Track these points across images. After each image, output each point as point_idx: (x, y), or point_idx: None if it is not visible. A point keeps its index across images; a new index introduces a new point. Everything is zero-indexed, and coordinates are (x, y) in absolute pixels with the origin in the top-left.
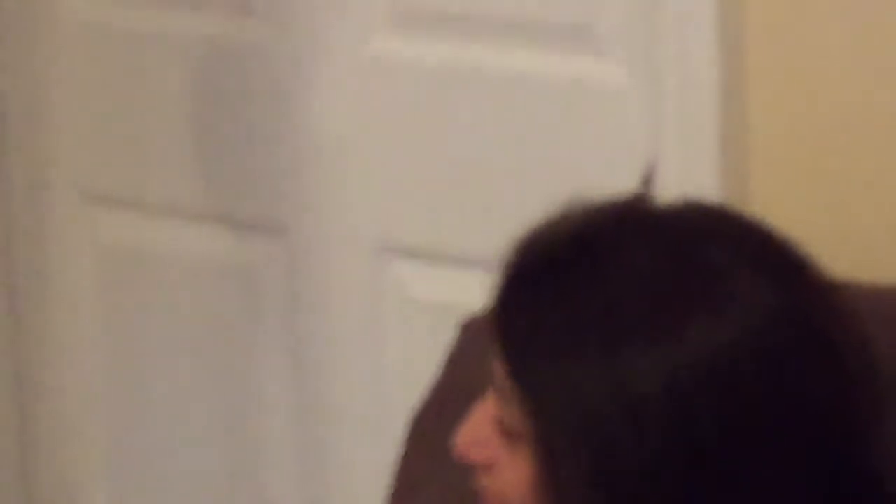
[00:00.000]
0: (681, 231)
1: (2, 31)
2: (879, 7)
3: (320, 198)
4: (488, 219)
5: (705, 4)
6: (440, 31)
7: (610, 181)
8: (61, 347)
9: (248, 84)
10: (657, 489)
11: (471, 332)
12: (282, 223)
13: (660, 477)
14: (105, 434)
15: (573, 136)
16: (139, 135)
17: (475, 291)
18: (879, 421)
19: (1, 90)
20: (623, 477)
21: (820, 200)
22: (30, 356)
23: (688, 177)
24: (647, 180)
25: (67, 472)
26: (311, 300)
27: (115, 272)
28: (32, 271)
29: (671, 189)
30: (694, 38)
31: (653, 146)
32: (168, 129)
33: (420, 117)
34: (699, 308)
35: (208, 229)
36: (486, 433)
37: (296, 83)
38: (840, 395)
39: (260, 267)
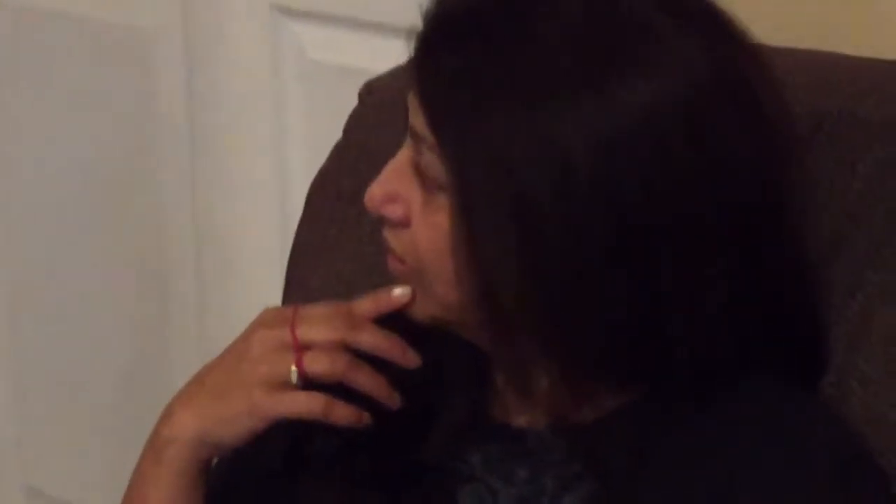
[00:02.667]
0: None
1: None
2: None
3: None
4: None
5: None
6: None
7: None
8: None
9: None
10: (574, 246)
11: (374, 95)
12: None
13: (579, 235)
14: None
15: None
16: None
17: (377, 55)
18: (798, 186)
19: None
20: (541, 233)
21: None
22: None
23: None
24: None
25: None
26: (208, 62)
27: None
28: None
29: None
30: None
31: None
32: None
33: None
34: (628, 66)
35: None
36: (401, 188)
37: None
38: (766, 160)
39: (157, 31)
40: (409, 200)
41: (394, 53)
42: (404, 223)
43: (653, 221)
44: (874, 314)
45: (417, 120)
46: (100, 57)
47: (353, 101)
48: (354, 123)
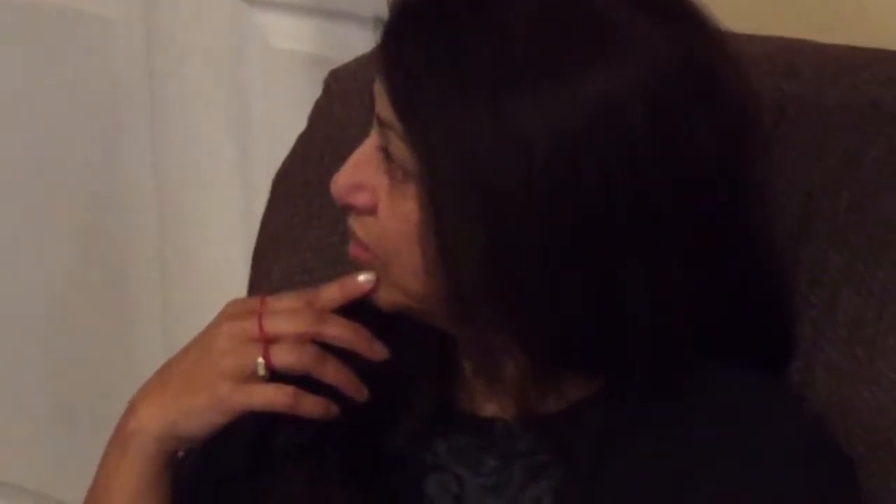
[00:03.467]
0: None
1: None
2: None
3: None
4: None
5: None
6: None
7: None
8: None
9: None
10: (537, 235)
11: (339, 84)
12: None
13: (542, 224)
14: None
15: None
16: None
17: (341, 44)
18: (761, 174)
19: None
20: (504, 221)
21: None
22: None
23: None
24: None
25: None
26: (170, 52)
27: None
28: None
29: None
30: None
31: None
32: None
33: None
34: (592, 54)
35: None
36: (367, 176)
37: None
38: (728, 149)
39: (119, 20)
40: (376, 188)
41: (358, 42)
42: (370, 211)
43: (614, 210)
44: (839, 298)
45: (384, 108)
46: (63, 45)
47: (317, 91)
48: (319, 113)
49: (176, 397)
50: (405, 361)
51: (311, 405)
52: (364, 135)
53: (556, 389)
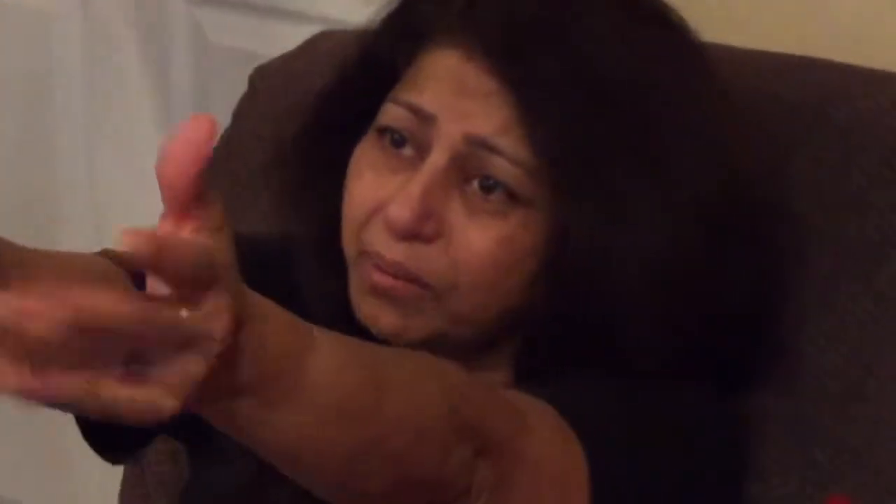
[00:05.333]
0: None
1: None
2: None
3: None
4: None
5: None
6: None
7: None
8: None
9: None
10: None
11: (265, 80)
12: None
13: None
14: None
15: None
16: None
17: (271, 40)
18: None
19: None
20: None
21: None
22: None
23: None
24: None
25: None
26: (106, 44)
27: None
28: None
29: None
30: None
31: None
32: None
33: None
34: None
35: None
36: (438, 202)
37: None
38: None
39: (56, 12)
40: (444, 215)
41: (290, 39)
42: (434, 238)
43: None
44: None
45: (479, 127)
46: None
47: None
48: (244, 109)
49: None
50: None
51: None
52: (289, 131)
53: None
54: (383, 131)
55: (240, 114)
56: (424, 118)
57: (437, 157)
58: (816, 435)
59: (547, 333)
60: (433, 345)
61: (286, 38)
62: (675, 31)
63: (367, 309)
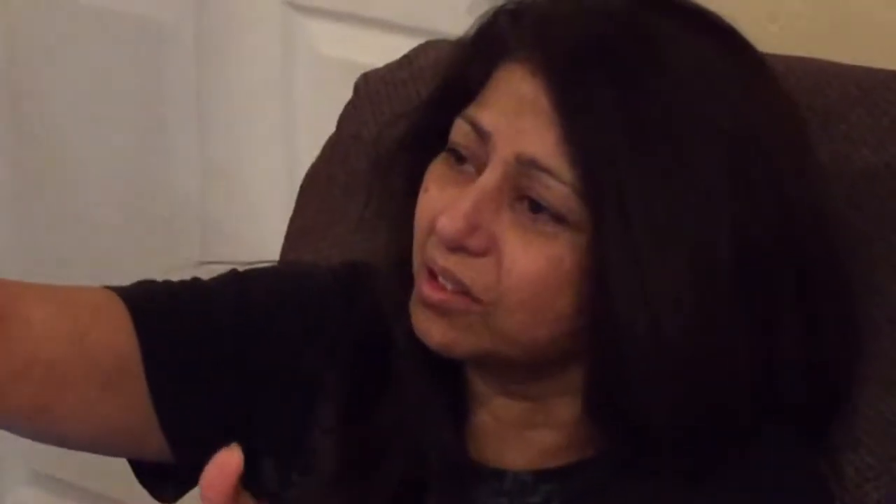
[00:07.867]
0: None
1: None
2: None
3: None
4: None
5: None
6: None
7: None
8: None
9: None
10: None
11: (368, 85)
12: None
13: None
14: None
15: None
16: None
17: (381, 50)
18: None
19: None
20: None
21: None
22: None
23: None
24: None
25: None
26: (218, 57)
27: None
28: None
29: None
30: None
31: None
32: None
33: None
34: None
35: None
36: (487, 217)
37: None
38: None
39: (169, 24)
40: (493, 230)
41: (402, 50)
42: (483, 253)
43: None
44: None
45: (530, 147)
46: (113, 47)
47: None
48: (347, 114)
49: None
50: (416, 414)
51: None
52: (387, 135)
53: (583, 441)
54: (450, 148)
55: (342, 120)
56: (482, 135)
57: (490, 175)
58: None
59: (604, 364)
60: (484, 363)
61: (397, 51)
62: (755, 71)
63: (419, 322)
